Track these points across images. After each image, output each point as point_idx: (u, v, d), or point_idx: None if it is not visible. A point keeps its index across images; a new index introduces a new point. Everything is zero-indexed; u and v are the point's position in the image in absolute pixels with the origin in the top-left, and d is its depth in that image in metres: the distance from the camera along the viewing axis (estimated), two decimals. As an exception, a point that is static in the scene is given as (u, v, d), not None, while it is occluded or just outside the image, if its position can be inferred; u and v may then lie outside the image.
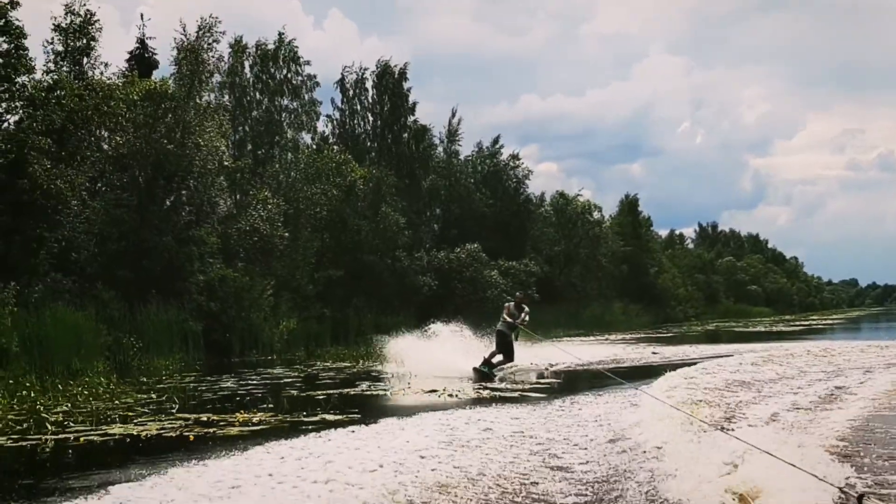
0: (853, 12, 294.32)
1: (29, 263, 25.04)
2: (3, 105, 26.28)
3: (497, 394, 17.34)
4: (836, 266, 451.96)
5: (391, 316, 41.14)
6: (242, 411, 14.36)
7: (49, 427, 12.74)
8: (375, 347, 26.92)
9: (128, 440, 12.00)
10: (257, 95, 46.33)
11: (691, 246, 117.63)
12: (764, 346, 30.57)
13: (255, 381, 21.01)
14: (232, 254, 35.56)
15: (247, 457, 9.85)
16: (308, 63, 48.48)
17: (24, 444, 11.71)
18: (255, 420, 13.40)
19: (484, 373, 20.85)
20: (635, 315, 69.88)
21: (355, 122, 54.57)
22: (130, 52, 37.87)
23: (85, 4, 31.82)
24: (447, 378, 20.10)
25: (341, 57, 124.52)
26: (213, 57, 34.62)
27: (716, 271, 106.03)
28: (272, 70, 46.86)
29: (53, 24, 31.68)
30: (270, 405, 15.67)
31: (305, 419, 13.53)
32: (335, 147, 48.59)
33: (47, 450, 11.38)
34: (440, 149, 58.97)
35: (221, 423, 13.12)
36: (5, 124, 26.71)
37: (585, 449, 10.71)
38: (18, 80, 26.53)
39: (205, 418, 13.66)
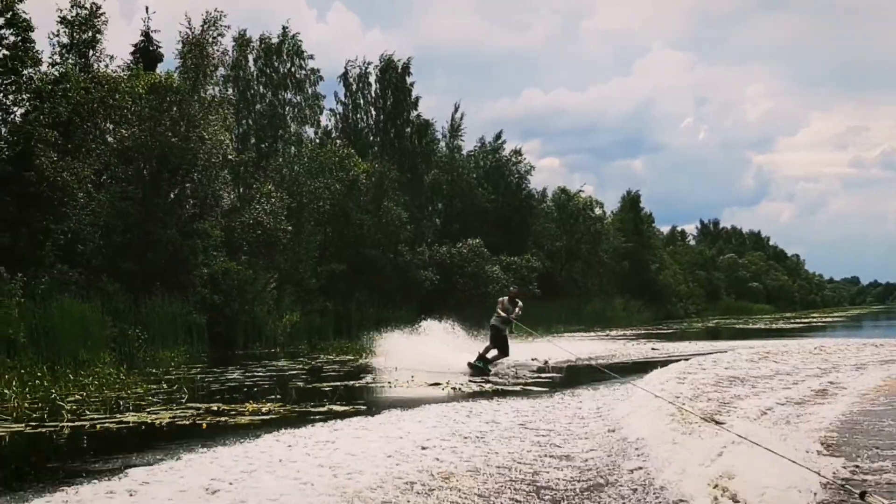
0: (857, 10, 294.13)
1: (35, 255, 25.22)
2: (10, 97, 26.45)
3: (499, 388, 17.55)
4: (837, 264, 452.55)
5: (393, 310, 41.29)
6: (251, 401, 14.62)
7: (65, 415, 13.01)
8: (365, 344, 27.13)
9: (143, 427, 12.29)
10: (261, 89, 46.47)
11: (693, 243, 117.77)
12: (762, 342, 30.75)
13: (260, 373, 21.26)
14: (235, 247, 35.72)
15: (258, 444, 10.16)
16: (311, 57, 48.73)
17: (42, 430, 11.98)
18: (264, 410, 13.65)
19: (479, 367, 20.73)
20: (636, 311, 70.02)
21: (358, 116, 54.66)
22: (135, 45, 38.07)
23: (90, -3, 32.07)
24: (432, 373, 19.99)
25: (344, 50, 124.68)
26: (217, 51, 34.73)
27: (717, 268, 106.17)
28: (276, 64, 46.99)
29: (59, 17, 31.89)
30: (278, 396, 15.93)
31: (313, 409, 13.78)
32: (338, 141, 48.69)
33: (66, 436, 11.64)
34: (443, 144, 59.18)
35: (232, 413, 13.40)
36: (12, 117, 26.92)
37: (585, 439, 10.93)
38: (25, 72, 26.69)
39: (215, 408, 13.94)
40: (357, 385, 18.26)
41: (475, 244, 49.33)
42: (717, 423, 10.20)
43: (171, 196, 32.44)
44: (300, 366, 23.77)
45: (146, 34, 37.92)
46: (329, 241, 43.06)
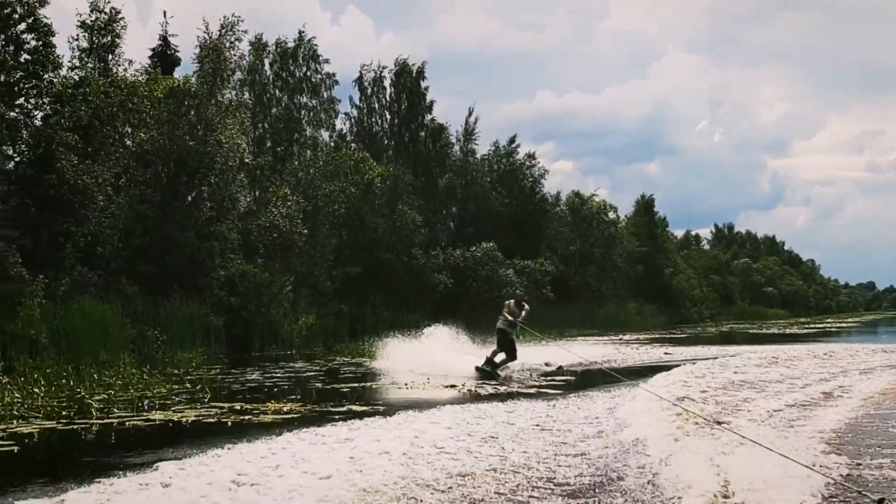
0: (874, 11, 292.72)
1: (56, 257, 25.52)
2: (32, 101, 26.73)
3: (513, 390, 17.75)
4: (853, 269, 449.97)
5: (407, 313, 41.48)
6: (273, 401, 14.96)
7: (94, 413, 13.41)
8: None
9: (170, 425, 12.67)
10: (277, 93, 46.82)
11: (707, 247, 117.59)
12: (773, 347, 30.79)
13: (279, 374, 21.57)
14: (252, 250, 36.01)
15: (281, 441, 10.44)
16: (327, 61, 49.05)
17: (74, 427, 12.35)
18: (285, 409, 13.98)
19: (487, 371, 20.54)
20: (650, 315, 69.95)
21: (373, 120, 55.03)
22: (153, 50, 38.44)
23: (109, 2, 32.49)
24: (432, 376, 20.08)
25: (357, 52, 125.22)
26: (234, 55, 35.08)
27: (731, 273, 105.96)
28: (292, 68, 47.35)
29: (79, 22, 32.30)
30: (298, 396, 16.26)
31: (332, 409, 14.09)
32: (353, 145, 48.96)
33: (96, 433, 12.01)
34: (457, 147, 59.41)
35: (255, 412, 13.74)
36: (33, 120, 27.23)
37: (597, 438, 11.15)
38: (46, 76, 27.00)
39: (238, 407, 14.29)
40: (374, 386, 18.50)
41: (489, 248, 49.51)
42: (721, 423, 10.48)
43: (189, 199, 32.73)
44: (317, 367, 24.07)
45: (164, 38, 38.29)
46: (344, 244, 43.31)
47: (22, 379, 16.76)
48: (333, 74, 49.33)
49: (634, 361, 26.72)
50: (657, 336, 47.43)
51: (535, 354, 24.50)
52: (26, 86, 26.28)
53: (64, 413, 13.42)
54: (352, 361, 26.22)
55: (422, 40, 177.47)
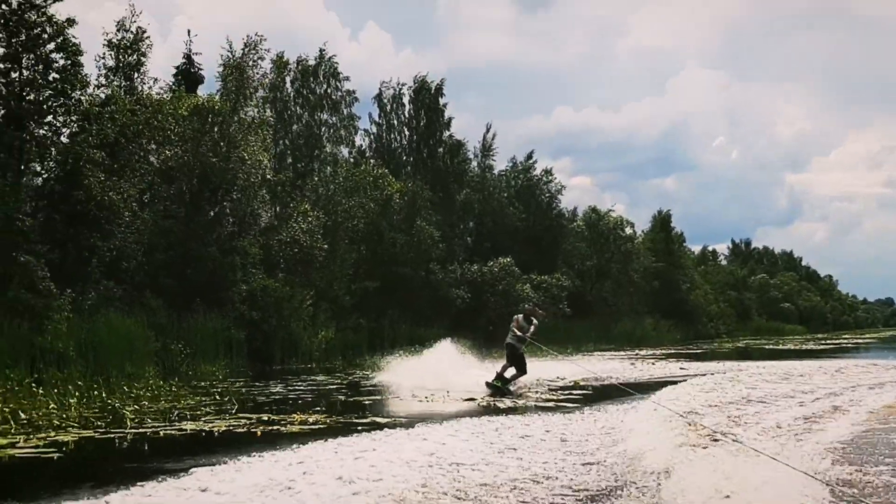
0: (893, 28, 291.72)
1: (83, 272, 26.11)
2: (60, 119, 27.34)
3: (532, 403, 18.14)
4: (872, 285, 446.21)
5: (425, 328, 41.87)
6: (299, 412, 15.42)
7: (128, 423, 13.95)
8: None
9: (202, 434, 13.19)
10: (298, 110, 47.44)
11: (724, 262, 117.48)
12: (788, 363, 30.97)
13: (302, 387, 22.02)
14: (273, 264, 36.48)
15: (309, 449, 10.94)
16: (347, 79, 49.63)
17: (110, 436, 12.89)
18: (311, 420, 14.46)
19: (497, 387, 20.22)
20: (666, 331, 70.00)
21: (392, 136, 55.63)
22: (177, 67, 39.16)
23: (136, 21, 33.22)
24: (434, 391, 20.19)
25: (377, 68, 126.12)
26: (257, 73, 35.70)
27: (748, 288, 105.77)
28: (313, 85, 47.99)
29: (105, 41, 33.02)
30: (322, 408, 16.71)
31: (356, 420, 14.58)
32: (372, 161, 49.50)
33: (132, 442, 12.53)
34: (474, 163, 59.84)
35: (282, 422, 14.23)
36: (61, 137, 27.87)
37: (612, 446, 11.54)
38: (74, 95, 27.64)
39: (265, 418, 14.80)
40: (397, 399, 18.89)
41: (506, 263, 49.87)
42: (727, 435, 10.93)
43: (211, 215, 33.24)
44: (338, 380, 24.51)
45: (188, 56, 39.02)
46: (363, 259, 43.78)
47: (55, 390, 17.31)
48: (353, 91, 50.00)
49: (649, 376, 26.96)
50: (673, 351, 47.59)
51: (549, 369, 24.85)
52: (55, 104, 26.77)
53: (99, 423, 13.95)
54: (371, 375, 26.66)
55: (440, 56, 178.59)
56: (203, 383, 22.08)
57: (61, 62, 26.75)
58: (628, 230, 68.72)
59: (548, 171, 62.27)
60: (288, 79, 47.31)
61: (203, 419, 14.61)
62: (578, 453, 11.24)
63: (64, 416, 14.63)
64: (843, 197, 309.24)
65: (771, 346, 59.99)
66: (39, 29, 25.66)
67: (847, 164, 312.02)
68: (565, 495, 8.79)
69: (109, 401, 16.14)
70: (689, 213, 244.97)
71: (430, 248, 46.05)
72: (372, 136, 55.44)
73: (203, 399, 17.84)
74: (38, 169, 27.25)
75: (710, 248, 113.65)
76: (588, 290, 62.85)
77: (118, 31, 33.11)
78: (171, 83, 37.24)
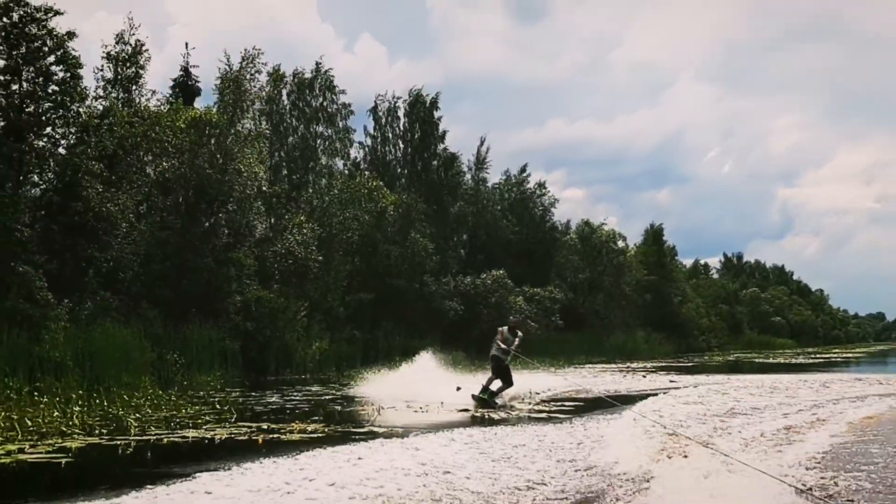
0: (886, 43, 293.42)
1: (80, 282, 26.36)
2: (59, 131, 27.57)
3: (525, 414, 18.47)
4: (863, 299, 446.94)
5: (418, 339, 42.12)
6: (297, 422, 15.76)
7: (131, 430, 14.29)
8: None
9: (205, 442, 13.53)
10: (293, 122, 47.82)
11: (716, 276, 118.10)
12: (775, 377, 31.38)
13: (297, 397, 22.34)
14: (268, 276, 36.77)
15: (309, 457, 11.26)
16: (343, 92, 50.06)
17: (115, 443, 13.20)
18: (309, 429, 14.77)
19: (484, 400, 19.95)
20: (658, 344, 70.43)
21: (387, 149, 56.02)
22: (174, 80, 39.50)
23: (134, 34, 33.59)
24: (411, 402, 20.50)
25: (371, 80, 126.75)
26: (254, 87, 36.03)
27: (740, 302, 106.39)
28: (308, 98, 48.38)
29: (104, 53, 33.36)
30: (320, 418, 17.01)
31: (354, 430, 14.91)
32: (367, 173, 49.84)
33: (137, 448, 12.81)
34: (468, 176, 60.26)
35: (282, 431, 14.55)
36: (60, 149, 28.12)
37: (598, 452, 11.88)
38: (73, 107, 27.89)
39: (265, 426, 15.11)
40: (393, 409, 19.18)
41: (499, 275, 50.23)
42: (709, 445, 11.38)
43: (207, 226, 33.49)
44: (333, 391, 24.77)
45: (185, 69, 39.37)
46: (357, 270, 44.08)
47: (57, 399, 17.59)
48: (349, 104, 50.42)
49: (639, 389, 27.22)
50: (664, 364, 47.91)
51: (539, 381, 25.21)
52: (54, 116, 27.03)
53: (103, 430, 14.26)
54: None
55: (434, 68, 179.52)
56: (201, 393, 22.39)
57: (61, 75, 27.00)
58: (620, 243, 69.26)
59: (541, 185, 62.86)
60: (284, 91, 47.71)
61: (204, 427, 14.92)
62: (568, 461, 11.56)
63: (70, 423, 14.93)
64: (835, 211, 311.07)
65: (761, 360, 60.32)
66: (40, 42, 25.91)
67: (839, 179, 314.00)
68: (555, 500, 9.09)
69: (111, 410, 16.45)
70: (681, 226, 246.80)
71: (424, 260, 46.40)
72: (367, 149, 55.90)
73: (202, 408, 18.14)
74: (37, 180, 27.43)
75: (701, 262, 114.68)
76: (580, 303, 63.26)
77: (117, 43, 33.50)
78: (167, 95, 37.62)
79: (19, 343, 21.44)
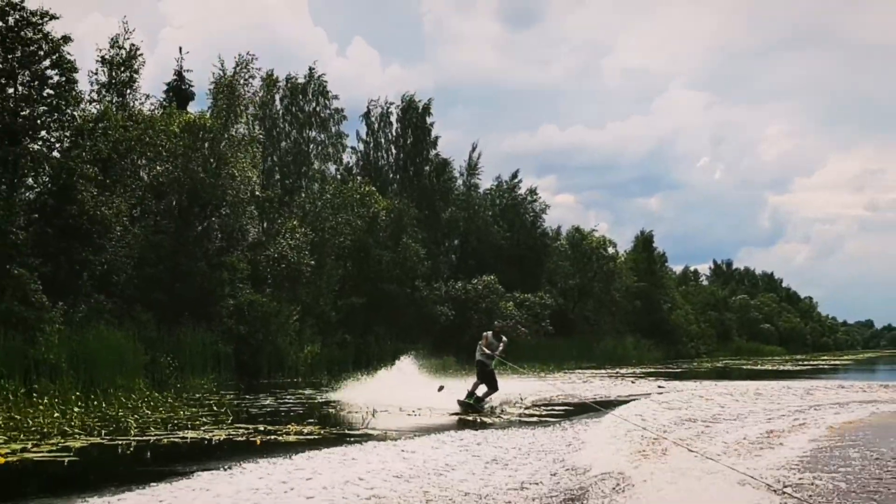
0: (877, 51, 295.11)
1: (74, 285, 26.51)
2: (54, 135, 27.72)
3: (515, 419, 18.77)
4: (852, 307, 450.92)
5: (410, 344, 42.25)
6: (293, 424, 16.06)
7: (132, 431, 14.59)
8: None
9: (204, 442, 13.83)
10: (286, 127, 48.01)
11: (705, 283, 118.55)
12: (762, 383, 31.71)
13: (291, 400, 22.64)
14: (260, 280, 36.92)
15: (305, 457, 11.58)
16: (336, 97, 50.26)
17: (117, 443, 13.47)
18: (305, 431, 15.09)
19: (469, 405, 19.99)
20: (647, 350, 70.78)
21: (379, 154, 56.28)
22: (168, 84, 39.72)
23: (129, 38, 33.75)
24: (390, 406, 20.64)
25: (363, 84, 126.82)
26: (248, 92, 36.22)
27: (729, 309, 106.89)
28: (301, 103, 48.57)
29: (99, 57, 33.48)
30: (315, 420, 17.28)
31: (349, 432, 15.26)
32: (359, 178, 50.06)
33: (138, 448, 13.07)
34: (460, 182, 60.48)
35: (278, 433, 14.85)
36: (55, 152, 28.25)
37: (582, 452, 12.19)
38: (68, 111, 28.02)
39: (261, 428, 15.42)
40: (385, 413, 19.42)
41: (490, 280, 50.51)
42: (694, 450, 11.74)
43: (200, 230, 33.63)
44: (325, 394, 24.99)
45: (179, 73, 39.59)
46: (349, 275, 44.30)
47: (56, 400, 17.81)
48: (342, 110, 50.62)
49: (626, 393, 27.56)
50: (653, 370, 48.26)
51: (527, 386, 25.56)
52: (49, 120, 27.19)
53: (104, 431, 14.50)
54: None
55: (427, 72, 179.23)
56: (196, 395, 22.64)
57: (56, 79, 27.16)
58: (611, 250, 69.51)
59: (532, 191, 63.18)
60: (277, 96, 47.91)
61: (202, 429, 15.20)
62: (557, 462, 11.86)
63: (71, 423, 15.18)
64: (825, 219, 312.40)
65: (749, 367, 60.77)
66: (35, 46, 26.04)
67: (830, 186, 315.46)
68: (544, 499, 9.36)
69: (109, 411, 16.70)
70: (672, 233, 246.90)
71: (416, 265, 46.63)
72: (359, 154, 56.14)
73: (198, 410, 18.43)
74: (32, 183, 27.60)
75: (691, 269, 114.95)
76: (570, 309, 63.57)
77: (112, 47, 33.63)
78: (161, 99, 37.79)
79: (14, 345, 21.60)
